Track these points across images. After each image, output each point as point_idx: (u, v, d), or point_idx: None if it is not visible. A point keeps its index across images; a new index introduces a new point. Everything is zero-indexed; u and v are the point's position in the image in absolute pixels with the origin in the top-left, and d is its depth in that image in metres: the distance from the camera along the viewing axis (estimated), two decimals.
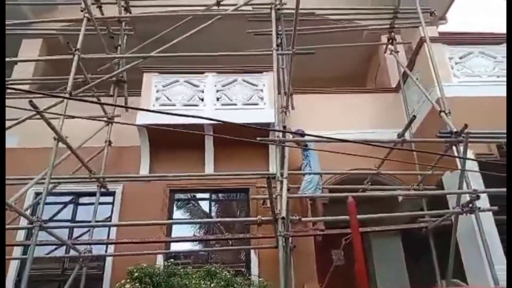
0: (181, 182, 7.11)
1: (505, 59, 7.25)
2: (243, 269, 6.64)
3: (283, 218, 4.51)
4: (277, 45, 6.50)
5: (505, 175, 4.93)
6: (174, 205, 7.54)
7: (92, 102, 6.51)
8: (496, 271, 4.99)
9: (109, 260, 6.69)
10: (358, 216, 4.85)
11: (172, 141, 6.84)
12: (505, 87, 6.90)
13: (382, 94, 8.67)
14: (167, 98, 7.50)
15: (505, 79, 7.03)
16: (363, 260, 3.45)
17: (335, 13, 8.14)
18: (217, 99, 7.47)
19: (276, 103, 5.97)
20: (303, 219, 5.56)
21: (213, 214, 7.92)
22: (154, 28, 7.60)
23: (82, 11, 6.62)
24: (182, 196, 7.81)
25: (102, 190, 6.86)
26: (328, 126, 7.58)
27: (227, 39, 8.26)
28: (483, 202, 5.57)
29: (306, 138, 6.57)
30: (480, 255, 5.31)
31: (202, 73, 7.72)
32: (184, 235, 7.32)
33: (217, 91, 7.53)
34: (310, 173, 6.50)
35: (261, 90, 7.51)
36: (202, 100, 7.45)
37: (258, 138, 4.91)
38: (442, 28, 10.01)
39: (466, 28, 9.80)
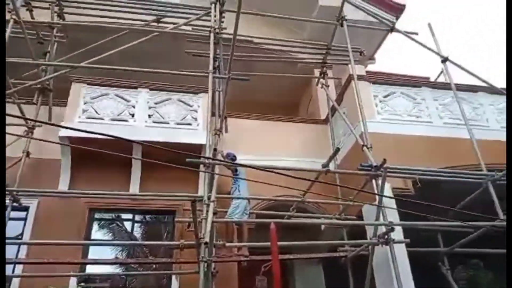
0: (102, 201, 6.76)
1: (423, 101, 7.93)
2: None
3: (206, 243, 4.43)
4: (214, 68, 6.54)
5: (416, 213, 5.33)
6: (96, 225, 7.22)
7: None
8: None
9: (15, 281, 6.12)
10: (280, 243, 4.97)
11: (96, 157, 6.49)
12: (423, 127, 7.56)
13: (312, 125, 9.02)
14: (95, 111, 7.19)
15: (423, 120, 7.71)
16: (280, 285, 3.51)
17: (272, 43, 8.40)
18: (149, 116, 7.31)
19: (209, 125, 5.95)
20: (227, 244, 5.51)
21: (138, 236, 7.63)
22: (88, 38, 7.31)
23: (9, 12, 6.23)
24: (105, 215, 7.44)
25: (14, 204, 6.30)
26: (259, 152, 7.72)
27: (165, 57, 8.18)
28: (398, 234, 5.92)
29: (236, 162, 6.61)
30: (392, 284, 5.59)
31: (135, 88, 7.53)
32: (106, 257, 6.94)
33: (150, 108, 7.38)
34: (238, 198, 6.51)
35: (196, 111, 7.49)
36: (133, 116, 7.25)
37: (187, 160, 4.81)
38: (370, 67, 10.76)
39: (393, 69, 10.60)
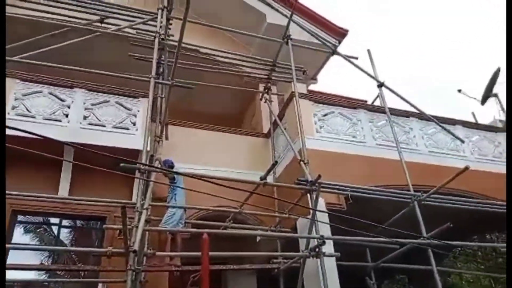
0: (28, 203, 6.35)
1: (359, 122, 8.31)
2: None
3: (134, 251, 4.28)
4: (158, 74, 6.45)
5: (347, 228, 5.54)
6: (21, 229, 6.86)
7: None
8: None
9: None
10: (213, 253, 4.94)
11: (25, 157, 6.12)
12: (358, 147, 7.90)
13: (254, 138, 9.12)
14: (26, 108, 6.78)
15: (358, 140, 8.06)
16: None
17: (220, 55, 8.46)
18: (84, 117, 7.00)
19: (148, 131, 5.82)
20: (158, 253, 5.36)
21: (67, 242, 7.33)
22: (25, 32, 6.91)
23: None
24: (30, 218, 7.01)
25: None
26: (200, 161, 7.68)
27: (107, 58, 7.93)
28: (329, 248, 6.10)
29: (174, 170, 6.50)
30: None
31: (71, 87, 7.20)
32: (32, 262, 6.53)
33: (86, 109, 7.07)
34: (174, 207, 6.38)
35: (135, 116, 7.28)
36: (67, 116, 6.91)
37: (121, 165, 4.66)
38: (313, 87, 11.16)
39: (334, 90, 11.06)
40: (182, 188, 6.35)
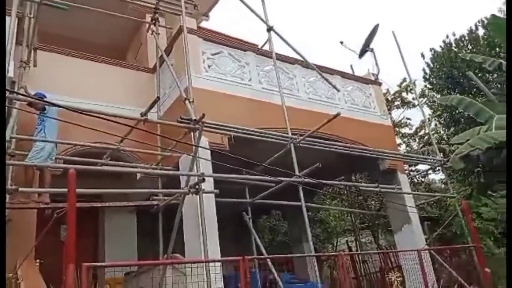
0: None
1: (247, 65, 8.37)
2: None
3: None
4: None
5: (228, 165, 5.73)
6: None
7: None
8: (208, 247, 5.68)
9: None
10: (84, 190, 4.73)
11: None
12: (244, 89, 8.01)
13: (138, 72, 8.66)
14: None
15: (245, 82, 8.14)
16: (74, 233, 3.35)
17: None
18: None
19: (11, 54, 5.11)
20: (21, 189, 4.94)
21: None
22: None
23: None
24: None
25: None
26: (77, 93, 7.10)
27: None
28: (209, 186, 6.27)
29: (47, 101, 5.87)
30: (199, 231, 5.93)
31: None
32: None
33: None
34: (43, 141, 5.84)
35: None
36: None
37: None
38: (205, 24, 10.81)
39: (227, 31, 10.83)
40: (54, 119, 5.80)
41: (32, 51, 6.13)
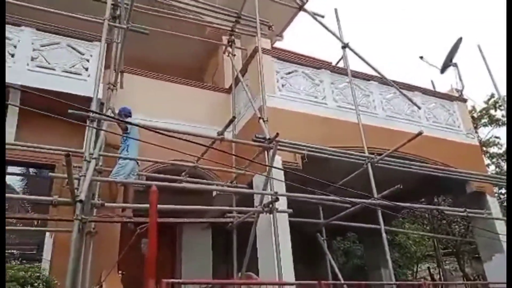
0: None
1: (321, 83, 8.27)
2: (34, 252, 5.98)
3: (80, 200, 4.13)
4: (113, 17, 6.05)
5: (301, 186, 5.61)
6: None
7: None
8: (282, 267, 5.56)
9: None
10: (167, 206, 4.89)
11: None
12: (318, 107, 7.89)
13: (215, 93, 8.92)
14: None
15: (319, 100, 8.03)
16: (155, 249, 3.41)
17: (182, 1, 8.00)
18: (32, 59, 6.52)
19: (101, 77, 5.52)
20: (107, 204, 5.23)
21: (19, 190, 7.16)
22: None
23: None
24: None
25: None
26: (156, 113, 7.46)
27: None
28: (283, 205, 6.19)
29: (129, 120, 6.26)
30: (272, 251, 5.84)
31: (18, 25, 6.63)
32: None
33: (34, 50, 6.56)
34: (125, 158, 6.19)
35: (87, 60, 6.85)
36: (13, 56, 6.40)
37: (69, 111, 4.39)
38: (278, 44, 10.94)
39: (300, 50, 10.87)
40: (135, 139, 6.13)
41: (119, 74, 6.57)
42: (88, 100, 6.00)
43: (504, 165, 15.16)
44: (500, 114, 14.73)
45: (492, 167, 15.10)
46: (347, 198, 6.47)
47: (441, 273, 12.62)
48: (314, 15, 8.10)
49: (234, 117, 6.32)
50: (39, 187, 7.80)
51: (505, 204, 13.35)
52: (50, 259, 5.91)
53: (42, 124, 6.30)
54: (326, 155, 6.78)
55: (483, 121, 15.02)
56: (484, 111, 14.98)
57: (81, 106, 4.39)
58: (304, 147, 6.63)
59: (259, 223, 6.23)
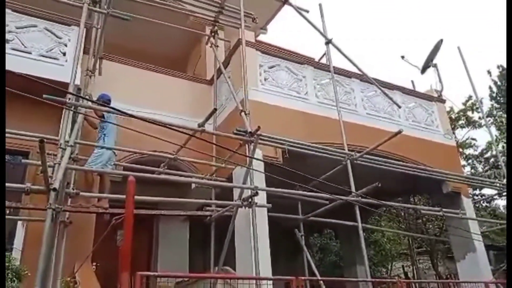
0: None
1: (304, 79, 8.24)
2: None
3: (54, 189, 3.99)
4: (94, 1, 5.85)
5: (282, 178, 5.57)
6: None
7: None
8: (260, 262, 5.53)
9: None
10: (144, 197, 4.78)
11: None
12: (300, 103, 7.86)
13: (197, 84, 8.78)
14: None
15: (301, 96, 8.00)
16: (130, 241, 3.32)
17: None
18: (7, 41, 6.25)
19: (78, 62, 5.33)
20: (82, 193, 5.08)
21: None
22: None
23: None
24: None
25: None
26: (136, 102, 7.26)
27: None
28: (262, 199, 6.14)
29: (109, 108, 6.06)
30: (250, 246, 5.80)
31: None
32: None
33: (9, 31, 6.29)
34: (102, 147, 6.02)
35: (65, 45, 6.59)
36: None
37: (44, 96, 4.21)
38: (262, 37, 10.85)
39: (284, 44, 10.80)
40: (114, 124, 5.96)
41: (98, 60, 6.38)
42: (65, 86, 5.78)
43: (478, 167, 15.53)
44: (477, 116, 15.07)
45: (468, 168, 15.44)
46: (325, 195, 6.47)
47: (414, 271, 12.83)
48: (298, 9, 8.05)
49: (215, 109, 6.24)
50: (12, 174, 7.52)
51: (477, 205, 13.69)
52: (22, 249, 5.72)
53: (17, 109, 6.05)
54: (306, 151, 6.76)
55: (460, 122, 15.32)
56: (461, 113, 15.29)
57: (58, 89, 4.22)
58: (285, 142, 6.59)
59: (237, 217, 6.17)
